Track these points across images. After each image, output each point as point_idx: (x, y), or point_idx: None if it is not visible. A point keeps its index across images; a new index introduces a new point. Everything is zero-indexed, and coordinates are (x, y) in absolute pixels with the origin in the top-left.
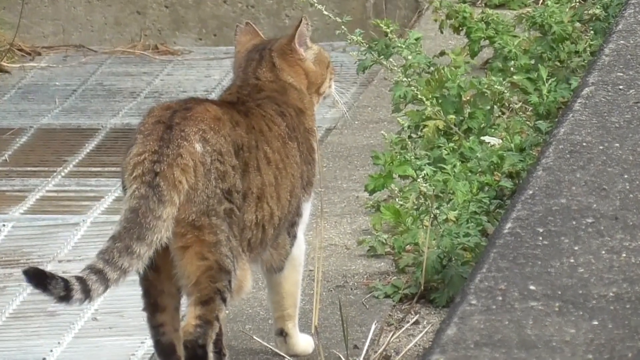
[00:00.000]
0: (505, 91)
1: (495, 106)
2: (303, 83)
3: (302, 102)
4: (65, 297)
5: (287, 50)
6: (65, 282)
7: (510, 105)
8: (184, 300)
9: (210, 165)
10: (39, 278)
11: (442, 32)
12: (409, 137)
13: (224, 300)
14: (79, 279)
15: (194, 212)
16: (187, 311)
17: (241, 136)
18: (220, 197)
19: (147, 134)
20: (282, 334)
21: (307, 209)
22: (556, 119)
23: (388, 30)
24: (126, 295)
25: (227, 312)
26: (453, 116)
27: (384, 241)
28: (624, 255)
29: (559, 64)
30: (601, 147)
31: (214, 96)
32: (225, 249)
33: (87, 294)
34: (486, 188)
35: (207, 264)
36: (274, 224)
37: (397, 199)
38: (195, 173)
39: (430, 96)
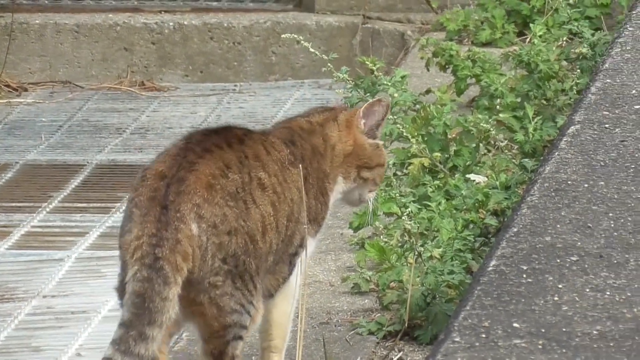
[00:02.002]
0: (491, 129)
1: (481, 144)
2: (345, 145)
3: (325, 151)
4: None
5: (352, 115)
6: None
7: (496, 143)
8: None
9: (207, 243)
10: None
11: (428, 70)
12: (395, 174)
13: (239, 338)
14: None
15: (194, 291)
16: (201, 352)
17: (234, 180)
18: (218, 268)
19: (144, 213)
20: None
21: (311, 244)
22: (542, 157)
23: (374, 67)
24: (110, 331)
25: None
26: (439, 154)
27: (368, 278)
28: (608, 293)
29: (545, 102)
30: (586, 186)
31: None
32: (232, 308)
33: None
34: (471, 226)
35: (215, 328)
36: (273, 250)
37: (381, 236)
38: (193, 258)
39: (416, 134)
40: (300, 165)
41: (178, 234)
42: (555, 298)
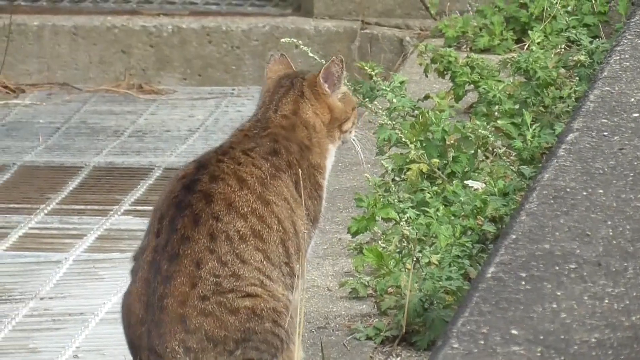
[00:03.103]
0: (490, 136)
1: (479, 150)
2: (324, 118)
3: (310, 140)
4: None
5: (315, 83)
6: None
7: (494, 149)
8: None
9: (198, 346)
10: None
11: (426, 76)
12: (393, 180)
13: None
14: None
15: None
16: None
17: (211, 274)
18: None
19: (136, 311)
20: None
21: (310, 245)
22: (540, 164)
23: (373, 73)
24: (107, 333)
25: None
26: (437, 160)
27: (366, 283)
28: (607, 301)
29: (543, 109)
30: (585, 193)
31: (197, 136)
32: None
33: None
34: (469, 232)
35: None
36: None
37: (379, 242)
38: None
39: (414, 139)
40: (287, 174)
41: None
42: (554, 305)
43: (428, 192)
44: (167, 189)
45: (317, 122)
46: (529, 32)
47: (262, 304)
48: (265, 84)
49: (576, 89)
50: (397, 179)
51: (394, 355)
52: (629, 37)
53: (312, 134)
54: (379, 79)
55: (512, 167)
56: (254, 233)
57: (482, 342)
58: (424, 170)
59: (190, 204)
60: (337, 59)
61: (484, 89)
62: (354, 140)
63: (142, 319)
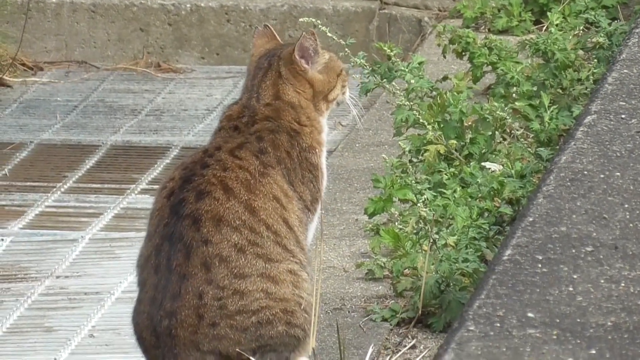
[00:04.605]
0: (507, 117)
1: (496, 132)
2: (306, 94)
3: (298, 122)
4: None
5: (291, 60)
6: None
7: (512, 131)
8: None
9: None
10: None
11: (445, 57)
12: (410, 161)
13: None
14: None
15: None
16: None
17: (214, 298)
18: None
19: (147, 337)
20: None
21: (311, 229)
22: (557, 147)
23: (391, 53)
24: (123, 312)
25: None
26: (454, 141)
27: (382, 265)
28: (623, 284)
29: (561, 91)
30: (602, 176)
31: (215, 115)
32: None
33: None
34: (486, 214)
35: None
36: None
37: (396, 223)
38: None
39: (432, 120)
40: (276, 169)
41: None
42: (570, 288)
43: (445, 174)
44: (156, 205)
45: (301, 99)
46: (548, 13)
47: (270, 312)
48: (249, 62)
49: (594, 71)
50: (415, 160)
51: (410, 337)
52: None
53: (300, 112)
54: (397, 59)
55: (529, 149)
56: (249, 242)
57: (498, 324)
58: (442, 152)
59: (182, 235)
60: (308, 33)
61: (502, 70)
62: (348, 102)
63: (155, 344)
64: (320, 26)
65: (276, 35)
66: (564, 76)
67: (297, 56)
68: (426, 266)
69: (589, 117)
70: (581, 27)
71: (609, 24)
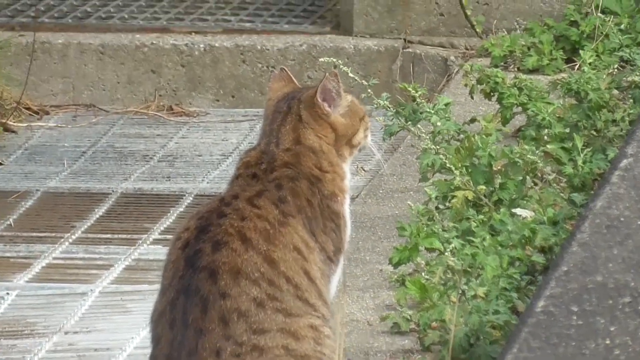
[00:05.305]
0: (539, 161)
1: (527, 177)
2: (328, 138)
3: (320, 168)
4: None
5: (312, 104)
6: None
7: (544, 176)
8: None
9: None
10: None
11: (472, 98)
12: (437, 208)
13: None
14: None
15: None
16: None
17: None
18: None
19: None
20: None
21: (334, 281)
22: (592, 192)
23: (416, 94)
24: None
25: None
26: (483, 187)
27: (408, 317)
28: None
29: (595, 133)
30: None
31: (230, 160)
32: None
33: None
34: (517, 263)
35: None
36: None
37: (423, 273)
38: None
39: (459, 165)
40: (297, 218)
41: None
42: (607, 342)
43: (474, 221)
44: (170, 257)
45: (323, 144)
46: (580, 51)
47: None
48: (266, 107)
49: (630, 111)
50: (442, 206)
51: None
52: None
53: (321, 158)
54: (422, 100)
55: (562, 194)
56: (269, 296)
57: None
58: (470, 198)
59: (198, 289)
60: (331, 74)
61: (532, 111)
62: (371, 145)
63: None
64: (341, 66)
65: (293, 78)
66: (597, 117)
67: (319, 99)
68: (455, 319)
69: (625, 160)
70: (615, 66)
71: None
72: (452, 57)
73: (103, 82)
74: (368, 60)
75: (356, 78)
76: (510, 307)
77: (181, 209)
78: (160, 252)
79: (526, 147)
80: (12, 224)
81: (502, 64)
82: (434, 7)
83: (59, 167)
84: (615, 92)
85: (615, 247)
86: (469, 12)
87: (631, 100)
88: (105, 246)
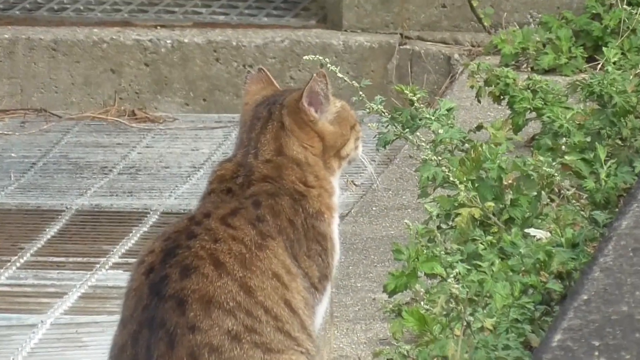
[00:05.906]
0: (556, 174)
1: (542, 192)
2: (314, 149)
3: (304, 182)
4: None
5: (297, 109)
6: None
7: (561, 191)
8: None
9: None
10: None
11: (479, 102)
12: (438, 227)
13: None
14: None
15: None
16: None
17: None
18: None
19: None
20: None
21: (319, 311)
22: (616, 209)
23: (414, 97)
24: None
25: None
26: (492, 203)
27: (405, 353)
28: None
29: (620, 142)
30: None
31: (202, 174)
32: None
33: None
34: (530, 291)
35: None
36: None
37: (422, 303)
38: None
39: (464, 179)
40: (276, 240)
41: None
42: None
43: (481, 243)
44: (133, 283)
45: (308, 155)
46: (603, 48)
47: None
48: (243, 112)
49: None
50: (444, 226)
51: None
52: None
53: (306, 171)
54: (421, 105)
55: (582, 212)
56: (246, 328)
57: None
58: (476, 216)
59: (164, 321)
60: (319, 75)
61: (548, 117)
62: (363, 157)
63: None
64: (328, 65)
65: (273, 79)
66: (623, 124)
67: (305, 103)
68: (459, 354)
69: None
70: None
71: None
72: (456, 55)
73: (55, 83)
74: (360, 58)
75: (346, 79)
76: (523, 341)
77: (145, 229)
78: (121, 278)
79: (541, 158)
80: None
81: (513, 63)
82: None
83: (5, 180)
84: None
85: None
86: (475, 4)
87: None
88: (58, 271)
